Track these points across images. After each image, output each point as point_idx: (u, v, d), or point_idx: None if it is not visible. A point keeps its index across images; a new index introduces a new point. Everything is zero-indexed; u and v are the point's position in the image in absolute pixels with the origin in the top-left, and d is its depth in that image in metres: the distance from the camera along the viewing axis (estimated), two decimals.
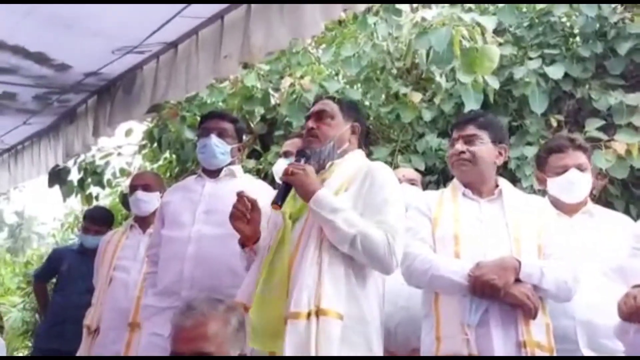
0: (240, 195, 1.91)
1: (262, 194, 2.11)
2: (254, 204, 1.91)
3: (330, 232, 1.73)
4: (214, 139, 2.32)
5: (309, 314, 1.64)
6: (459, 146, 2.02)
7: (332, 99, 2.08)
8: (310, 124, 1.97)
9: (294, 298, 1.68)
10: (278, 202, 1.80)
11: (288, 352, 1.62)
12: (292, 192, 1.83)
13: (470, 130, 2.03)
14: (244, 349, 1.58)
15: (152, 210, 2.88)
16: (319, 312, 1.65)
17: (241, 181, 2.37)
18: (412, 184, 2.65)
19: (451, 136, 2.13)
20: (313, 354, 1.60)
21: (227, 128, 2.37)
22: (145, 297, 2.35)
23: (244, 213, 1.89)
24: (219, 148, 2.33)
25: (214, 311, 1.52)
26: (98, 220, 3.63)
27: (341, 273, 1.73)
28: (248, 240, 1.92)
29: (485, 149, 2.02)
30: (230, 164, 2.39)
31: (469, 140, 2.02)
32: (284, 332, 1.64)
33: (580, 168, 2.13)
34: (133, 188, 2.93)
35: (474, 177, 2.03)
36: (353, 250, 1.72)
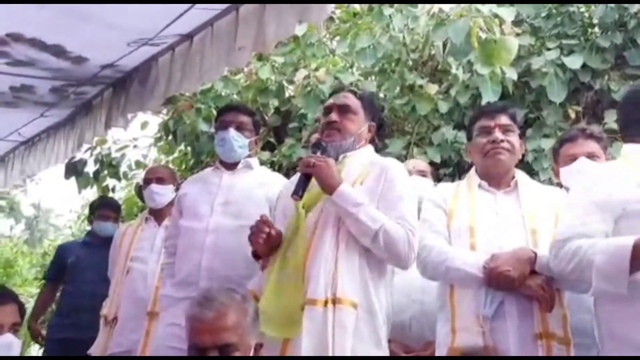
0: (262, 220, 1.85)
1: (278, 186, 2.16)
2: (271, 229, 1.85)
3: (352, 225, 1.78)
4: (232, 132, 2.34)
5: (326, 302, 1.68)
6: (499, 135, 1.97)
7: (354, 92, 2.07)
8: (334, 116, 1.97)
9: (311, 286, 1.71)
10: (298, 193, 1.80)
11: (305, 339, 1.65)
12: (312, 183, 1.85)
13: (506, 119, 2.01)
14: (258, 338, 1.59)
15: (165, 203, 2.93)
16: (335, 301, 1.69)
17: (258, 173, 2.39)
18: (423, 175, 2.63)
19: (474, 124, 2.07)
20: (330, 342, 1.64)
21: (245, 121, 2.39)
22: (163, 288, 2.38)
23: (262, 233, 1.83)
24: (238, 142, 2.34)
25: (233, 301, 1.53)
26: (114, 207, 3.70)
27: (356, 263, 1.79)
28: (262, 256, 1.91)
29: (517, 140, 2.02)
30: (247, 156, 2.41)
31: (506, 129, 1.99)
32: (299, 319, 1.67)
33: (590, 156, 2.09)
34: (147, 181, 2.98)
35: (507, 167, 2.01)
36: (374, 245, 1.77)
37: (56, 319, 3.60)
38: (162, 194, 2.93)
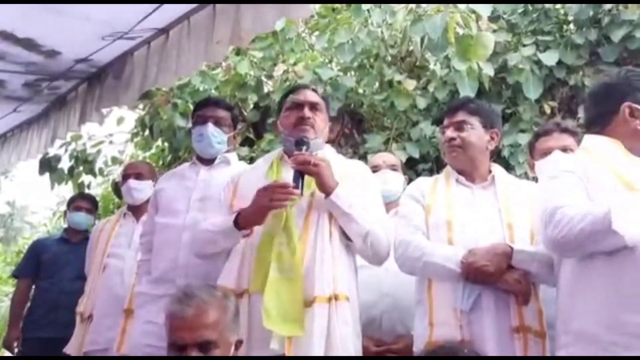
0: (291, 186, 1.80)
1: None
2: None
3: (347, 225, 1.84)
4: (210, 128, 2.31)
5: (329, 299, 1.75)
6: (449, 133, 2.02)
7: (316, 91, 2.11)
8: (308, 113, 1.97)
9: (317, 282, 1.75)
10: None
11: (316, 336, 1.70)
12: (281, 178, 1.87)
13: (460, 116, 2.03)
14: (239, 336, 1.58)
15: (144, 199, 2.88)
16: (336, 297, 1.77)
17: (236, 169, 2.35)
18: (394, 169, 2.64)
19: (442, 123, 2.12)
20: (337, 337, 1.72)
21: (224, 116, 2.36)
22: (138, 285, 2.35)
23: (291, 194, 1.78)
24: (216, 137, 2.32)
25: (213, 298, 1.52)
26: (87, 199, 3.66)
27: (345, 259, 1.87)
28: (252, 224, 1.86)
29: (475, 134, 2.02)
30: (225, 152, 2.38)
31: (459, 126, 2.02)
32: (301, 317, 1.70)
33: (564, 150, 2.12)
34: (126, 177, 2.94)
35: (465, 163, 2.03)
36: (363, 244, 1.85)
37: (32, 316, 3.53)
38: (141, 189, 2.89)
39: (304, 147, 1.88)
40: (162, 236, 2.25)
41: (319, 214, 1.85)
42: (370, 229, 1.84)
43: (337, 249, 1.84)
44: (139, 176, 2.90)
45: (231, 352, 1.51)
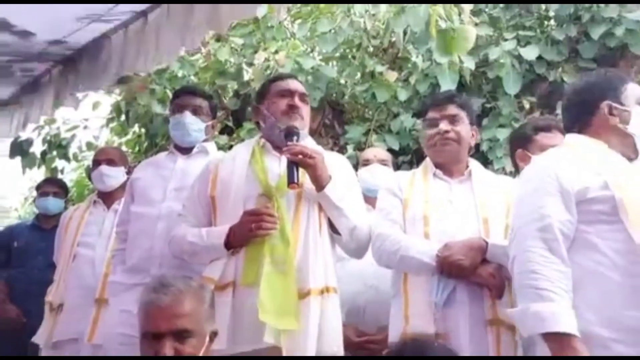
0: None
1: None
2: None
3: (337, 219, 1.85)
4: (188, 116, 2.28)
5: (322, 291, 1.77)
6: (444, 125, 1.99)
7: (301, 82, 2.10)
8: (298, 102, 1.94)
9: (311, 275, 1.76)
10: (296, 182, 1.77)
11: (312, 328, 1.72)
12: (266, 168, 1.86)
13: (453, 110, 2.02)
14: (214, 327, 1.56)
15: (116, 186, 2.84)
16: (328, 289, 1.79)
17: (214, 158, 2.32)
18: (384, 164, 2.65)
19: (425, 115, 2.09)
20: (329, 329, 1.76)
21: (202, 105, 2.33)
22: (113, 274, 2.32)
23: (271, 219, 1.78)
24: (193, 126, 2.29)
25: (189, 288, 1.50)
26: (54, 182, 3.59)
27: (332, 251, 1.89)
28: (239, 245, 1.82)
29: (465, 129, 2.03)
30: (204, 141, 2.35)
31: (453, 119, 2.00)
32: (295, 310, 1.71)
33: None
34: (96, 163, 2.86)
35: (455, 157, 2.03)
36: (349, 237, 1.87)
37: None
38: (112, 176, 2.83)
39: (295, 137, 1.85)
40: (137, 225, 2.22)
41: (308, 206, 1.84)
42: (357, 223, 1.87)
43: (326, 240, 1.85)
44: (110, 162, 2.83)
45: (206, 343, 1.50)
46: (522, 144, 2.18)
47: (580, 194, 1.54)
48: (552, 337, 1.43)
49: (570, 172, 1.57)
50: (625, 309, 1.44)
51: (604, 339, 1.44)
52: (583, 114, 1.70)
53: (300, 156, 1.78)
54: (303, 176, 1.82)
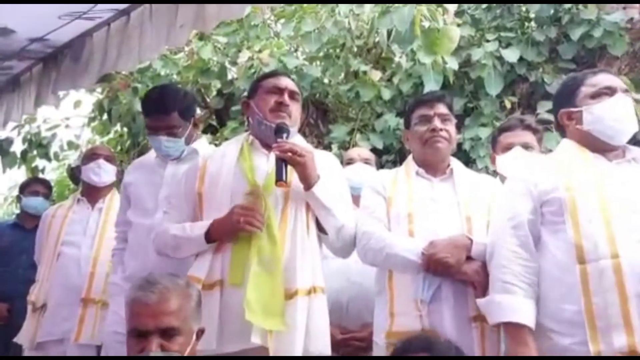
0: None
1: None
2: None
3: (325, 218, 1.83)
4: (164, 141, 2.17)
5: (309, 291, 1.75)
6: (438, 123, 1.99)
7: (293, 80, 2.06)
8: (287, 100, 1.91)
9: (298, 275, 1.74)
10: (283, 179, 1.74)
11: (299, 328, 1.70)
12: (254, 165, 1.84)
13: (444, 109, 2.03)
14: (201, 325, 1.56)
15: (108, 182, 2.84)
16: (316, 289, 1.78)
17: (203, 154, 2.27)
18: (367, 163, 2.66)
19: (412, 113, 2.09)
20: (316, 329, 1.75)
21: (174, 122, 2.17)
22: (113, 274, 2.32)
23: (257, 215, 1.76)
24: (172, 145, 2.18)
25: (176, 286, 1.50)
26: (43, 183, 3.55)
27: (318, 250, 1.88)
28: (222, 239, 1.80)
29: (453, 129, 2.05)
30: (192, 141, 2.26)
31: (444, 119, 2.02)
32: (282, 310, 1.69)
33: (525, 146, 2.19)
34: (95, 156, 2.85)
35: (445, 155, 2.04)
36: (336, 237, 1.86)
37: None
38: (109, 172, 2.85)
39: (285, 135, 1.83)
40: (133, 235, 2.22)
41: (296, 206, 1.82)
42: (344, 222, 1.85)
43: (313, 240, 1.84)
44: (108, 158, 2.87)
45: (193, 341, 1.50)
46: (492, 145, 2.38)
47: (541, 195, 1.68)
48: (509, 327, 1.62)
49: (539, 176, 1.71)
50: (563, 302, 1.58)
51: (546, 329, 1.60)
52: (557, 124, 1.86)
53: (289, 154, 1.76)
54: (291, 174, 1.80)
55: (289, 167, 1.77)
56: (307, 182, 1.79)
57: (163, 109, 2.17)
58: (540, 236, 1.68)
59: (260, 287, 1.69)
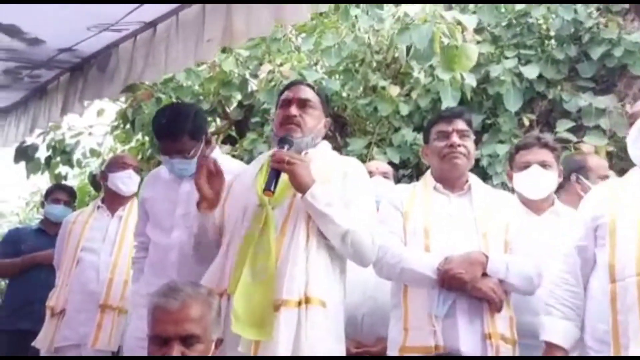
0: (205, 157, 1.88)
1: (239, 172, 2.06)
2: (219, 171, 1.85)
3: (323, 225, 1.75)
4: (176, 163, 2.17)
5: (299, 302, 1.67)
6: (457, 139, 2.01)
7: (312, 87, 2.03)
8: (294, 111, 1.90)
9: (285, 285, 1.68)
10: (271, 189, 1.73)
11: (282, 340, 1.62)
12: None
13: (462, 125, 2.04)
14: (221, 335, 1.57)
15: (133, 193, 2.90)
16: (307, 301, 1.68)
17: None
18: (385, 177, 2.67)
19: (431, 128, 2.11)
20: (303, 342, 1.64)
21: (185, 146, 2.13)
22: (134, 283, 2.34)
23: (209, 172, 1.83)
24: (185, 167, 2.18)
25: (198, 294, 1.50)
26: (66, 190, 3.61)
27: (325, 262, 1.78)
28: (205, 203, 1.85)
29: (472, 146, 2.06)
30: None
31: (463, 135, 2.03)
32: (270, 321, 1.64)
33: (543, 165, 2.19)
34: (125, 166, 2.90)
35: (463, 171, 2.05)
36: (342, 244, 1.75)
37: (7, 309, 3.44)
38: (136, 182, 2.90)
39: (286, 146, 1.83)
40: (153, 253, 2.23)
41: (297, 216, 1.78)
42: (350, 228, 1.73)
43: (313, 251, 1.75)
44: (137, 170, 2.94)
45: (212, 350, 1.50)
46: (509, 162, 2.40)
47: (594, 220, 1.82)
48: (546, 345, 1.84)
49: (593, 202, 1.87)
50: (598, 321, 1.73)
51: (586, 346, 1.77)
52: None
53: (280, 163, 1.74)
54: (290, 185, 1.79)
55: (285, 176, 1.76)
56: (299, 188, 1.75)
57: (172, 135, 2.14)
58: (595, 260, 1.81)
59: (247, 297, 1.67)
